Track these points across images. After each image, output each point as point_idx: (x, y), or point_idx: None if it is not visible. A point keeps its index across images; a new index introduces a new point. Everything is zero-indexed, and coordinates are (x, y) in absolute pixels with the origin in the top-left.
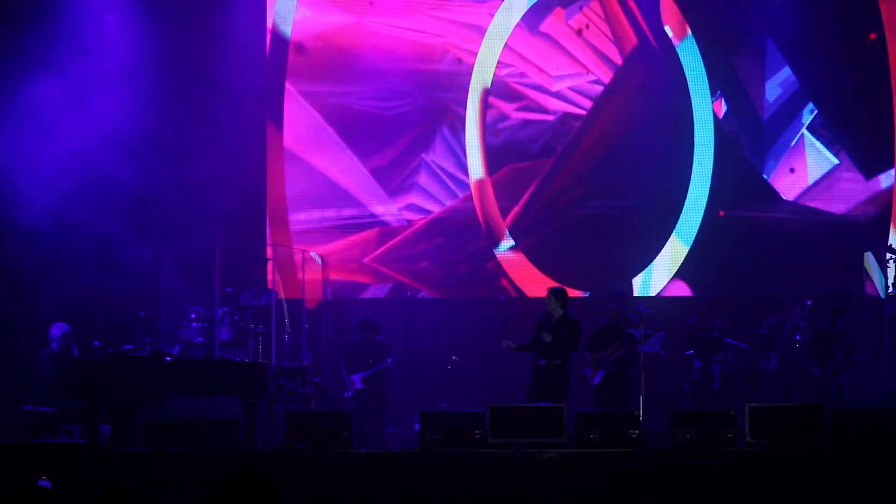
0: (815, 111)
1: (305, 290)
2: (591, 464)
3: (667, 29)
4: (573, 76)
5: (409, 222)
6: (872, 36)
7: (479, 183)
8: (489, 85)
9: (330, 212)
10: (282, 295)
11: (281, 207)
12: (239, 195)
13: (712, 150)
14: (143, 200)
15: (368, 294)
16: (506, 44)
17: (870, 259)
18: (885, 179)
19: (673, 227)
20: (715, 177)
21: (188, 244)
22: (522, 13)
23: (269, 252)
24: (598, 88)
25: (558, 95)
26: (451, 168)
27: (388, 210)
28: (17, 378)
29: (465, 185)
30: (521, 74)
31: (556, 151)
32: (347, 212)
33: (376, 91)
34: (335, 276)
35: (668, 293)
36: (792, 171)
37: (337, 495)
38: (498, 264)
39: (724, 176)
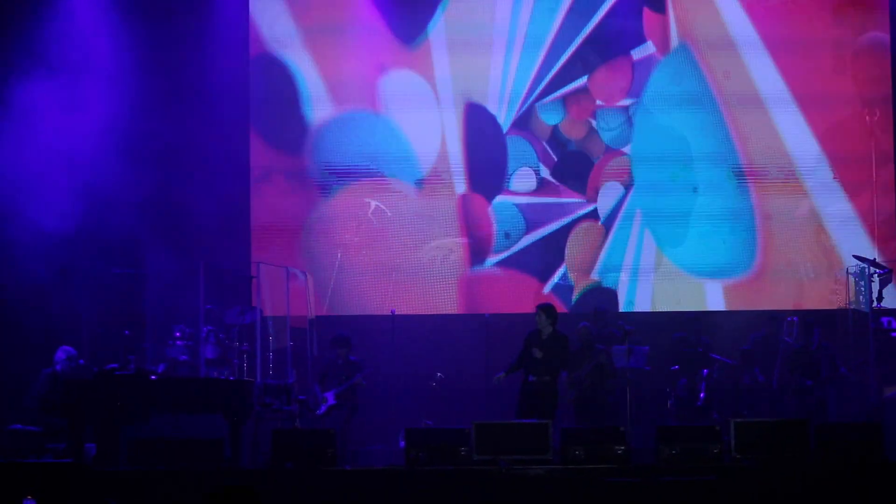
0: None
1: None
2: (577, 480)
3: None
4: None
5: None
6: None
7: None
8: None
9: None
10: (266, 313)
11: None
12: (223, 212)
13: None
14: (127, 218)
15: (352, 311)
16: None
17: (851, 272)
18: None
19: None
20: None
21: (172, 262)
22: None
23: (254, 269)
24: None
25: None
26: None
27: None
28: (5, 398)
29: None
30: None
31: None
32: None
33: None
34: (319, 293)
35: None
36: None
37: None
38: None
39: None
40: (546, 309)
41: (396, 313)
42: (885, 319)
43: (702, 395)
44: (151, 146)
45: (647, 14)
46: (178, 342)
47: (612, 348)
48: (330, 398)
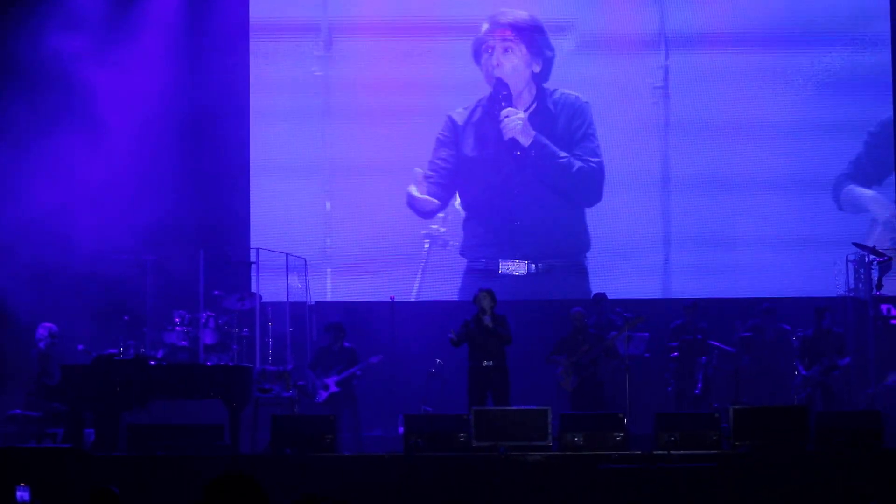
0: None
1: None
2: (576, 466)
3: None
4: None
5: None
6: None
7: None
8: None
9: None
10: (266, 298)
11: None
12: (223, 197)
13: None
14: (128, 204)
15: (351, 297)
16: None
17: (850, 259)
18: None
19: None
20: None
21: (172, 248)
22: None
23: (253, 255)
24: None
25: None
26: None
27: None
28: (3, 382)
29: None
30: None
31: None
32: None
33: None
34: (319, 278)
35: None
36: None
37: (322, 495)
38: None
39: None
40: (490, 292)
41: (396, 300)
42: (884, 307)
43: (700, 382)
44: (153, 136)
45: None
46: (178, 328)
47: (610, 335)
48: (332, 385)
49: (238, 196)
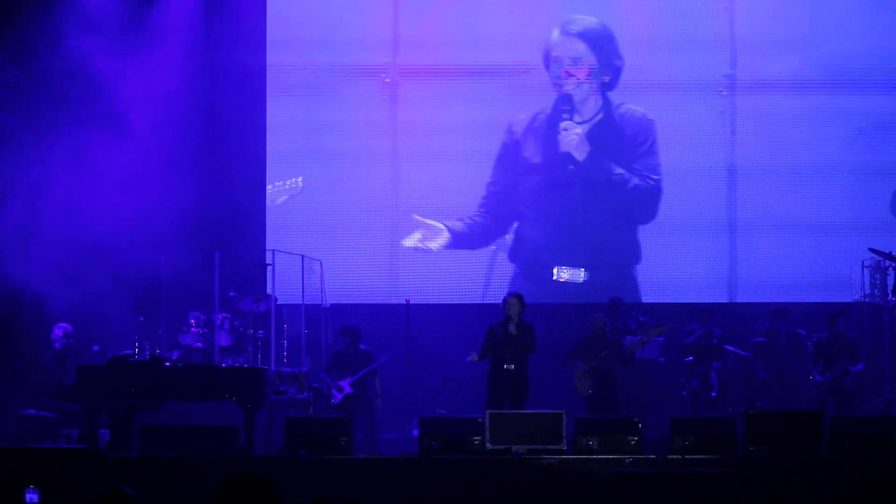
0: None
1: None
2: (590, 470)
3: None
4: None
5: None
6: None
7: None
8: None
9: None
10: (281, 300)
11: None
12: (239, 198)
13: None
14: (144, 204)
15: (367, 299)
16: None
17: (866, 265)
18: None
19: None
20: None
21: (188, 249)
22: None
23: (269, 257)
24: None
25: None
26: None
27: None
28: (17, 382)
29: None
30: None
31: None
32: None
33: None
34: (336, 280)
35: None
36: None
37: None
38: None
39: None
40: (519, 296)
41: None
42: None
43: (715, 386)
44: (169, 138)
45: None
46: (193, 329)
47: (626, 339)
48: (346, 386)
49: (254, 197)
